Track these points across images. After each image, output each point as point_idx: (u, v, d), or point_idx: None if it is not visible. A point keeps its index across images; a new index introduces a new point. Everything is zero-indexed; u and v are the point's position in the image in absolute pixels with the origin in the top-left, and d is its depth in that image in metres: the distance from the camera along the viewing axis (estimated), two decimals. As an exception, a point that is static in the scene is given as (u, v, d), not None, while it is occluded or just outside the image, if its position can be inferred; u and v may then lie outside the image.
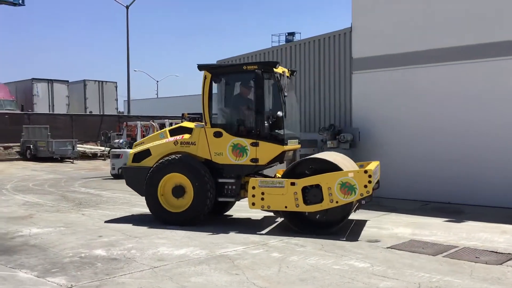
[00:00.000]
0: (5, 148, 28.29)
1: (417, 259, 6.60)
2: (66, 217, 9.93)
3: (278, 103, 8.84)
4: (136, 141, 20.32)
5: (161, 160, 9.08)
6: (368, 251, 7.01)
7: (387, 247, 7.26)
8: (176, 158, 8.97)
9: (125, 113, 41.15)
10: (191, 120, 19.14)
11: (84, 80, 38.49)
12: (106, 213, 10.40)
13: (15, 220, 9.45)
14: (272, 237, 7.84)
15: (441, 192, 11.40)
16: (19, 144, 28.27)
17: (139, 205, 11.44)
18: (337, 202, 7.91)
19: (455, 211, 10.48)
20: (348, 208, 8.08)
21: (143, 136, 20.03)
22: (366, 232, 8.36)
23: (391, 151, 12.25)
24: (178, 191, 8.92)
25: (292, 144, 9.18)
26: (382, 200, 11.99)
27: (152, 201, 9.06)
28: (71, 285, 5.48)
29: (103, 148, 31.26)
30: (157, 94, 69.23)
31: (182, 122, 18.71)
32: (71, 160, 27.33)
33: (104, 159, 29.05)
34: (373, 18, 12.57)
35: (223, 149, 8.83)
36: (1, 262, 6.40)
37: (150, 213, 9.23)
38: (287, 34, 41.95)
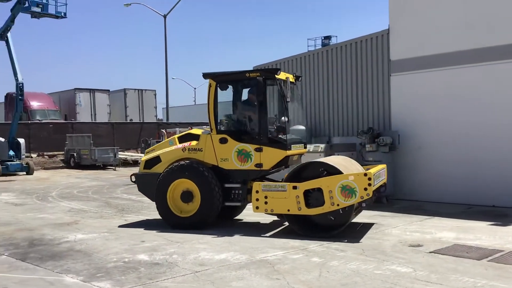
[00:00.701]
0: (50, 156, 29.20)
1: (461, 264, 6.45)
2: (109, 223, 10.17)
3: (281, 109, 9.13)
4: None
5: (170, 166, 9.34)
6: (411, 256, 6.90)
7: (430, 252, 7.13)
8: (184, 164, 9.22)
9: (164, 120, 41.85)
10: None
11: (124, 89, 39.33)
12: (148, 219, 10.60)
13: (61, 227, 9.75)
14: (312, 242, 7.81)
15: (485, 195, 11.10)
16: (63, 152, 29.11)
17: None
18: (338, 205, 8.02)
19: (500, 214, 10.18)
20: (349, 211, 8.14)
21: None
22: (408, 236, 8.23)
23: (432, 154, 12.02)
24: (187, 196, 9.16)
25: (297, 149, 9.35)
26: (424, 204, 11.78)
27: (162, 206, 9.33)
28: (116, 289, 5.63)
29: (143, 155, 31.94)
30: (194, 101, 70.15)
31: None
32: (113, 167, 27.96)
33: (145, 166, 29.60)
34: (411, 19, 12.39)
35: (228, 155, 9.04)
36: (48, 267, 6.62)
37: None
38: (323, 38, 41.71)
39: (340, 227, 8.14)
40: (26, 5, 21.30)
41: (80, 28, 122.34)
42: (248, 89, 9.38)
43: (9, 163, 22.97)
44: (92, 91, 37.07)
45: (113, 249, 7.62)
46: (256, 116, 8.99)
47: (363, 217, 10.10)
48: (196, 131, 10.04)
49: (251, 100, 9.24)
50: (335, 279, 5.87)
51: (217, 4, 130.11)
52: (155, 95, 40.91)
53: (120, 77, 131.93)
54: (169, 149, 9.70)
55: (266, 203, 8.44)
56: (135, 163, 30.96)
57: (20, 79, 22.59)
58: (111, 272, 6.30)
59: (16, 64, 22.68)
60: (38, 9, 21.45)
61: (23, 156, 24.14)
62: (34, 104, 33.99)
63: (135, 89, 39.70)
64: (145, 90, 40.18)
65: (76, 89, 36.62)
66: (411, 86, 12.36)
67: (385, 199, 12.03)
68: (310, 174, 8.41)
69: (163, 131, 19.29)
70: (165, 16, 36.19)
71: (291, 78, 9.34)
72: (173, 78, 62.41)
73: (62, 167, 28.14)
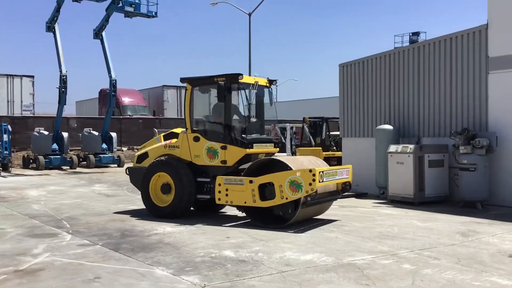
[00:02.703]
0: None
1: None
2: (196, 217, 10.35)
3: (244, 110, 10.13)
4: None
5: (153, 161, 10.46)
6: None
7: (535, 265, 6.55)
8: (163, 159, 10.29)
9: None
10: (312, 123, 19.14)
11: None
12: (230, 214, 10.66)
13: (150, 219, 10.05)
14: (402, 248, 7.48)
15: None
16: (151, 147, 30.30)
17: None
18: (286, 198, 8.75)
19: None
20: (297, 204, 8.78)
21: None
22: (508, 246, 7.64)
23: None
24: (165, 188, 10.14)
25: (262, 148, 10.09)
26: (524, 211, 10.95)
27: (145, 196, 10.38)
28: (204, 284, 5.66)
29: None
30: (276, 98, 70.32)
31: (303, 126, 18.86)
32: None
33: (227, 162, 30.12)
34: (513, 13, 11.51)
35: (200, 152, 10.01)
36: (139, 259, 6.82)
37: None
38: (411, 34, 40.18)
39: (290, 219, 8.87)
40: (120, 4, 22.24)
41: (168, 27, 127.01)
42: (214, 93, 10.04)
43: (102, 155, 24.24)
44: (178, 88, 38.15)
45: (200, 243, 7.73)
46: (221, 117, 9.87)
47: (456, 222, 9.55)
48: (177, 130, 10.90)
49: (216, 102, 10.00)
50: (429, 289, 5.55)
51: (301, 3, 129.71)
52: (238, 92, 41.40)
53: (205, 74, 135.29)
54: (155, 146, 10.82)
55: (227, 195, 9.34)
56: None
57: (113, 76, 23.72)
58: (199, 267, 6.37)
59: (110, 62, 23.84)
60: (131, 9, 22.36)
61: (115, 150, 25.34)
62: (126, 100, 35.63)
63: (219, 86, 40.36)
64: (228, 87, 40.74)
65: (164, 86, 37.91)
66: (512, 85, 11.50)
67: (480, 204, 11.31)
68: (271, 170, 9.09)
69: (275, 128, 19.41)
70: (250, 15, 36.52)
71: (262, 82, 10.31)
72: (255, 75, 62.85)
73: (149, 161, 29.21)
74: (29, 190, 15.40)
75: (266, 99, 10.73)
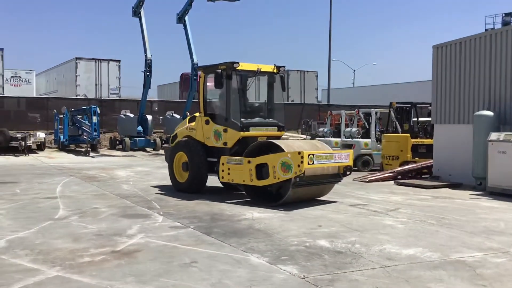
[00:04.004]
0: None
1: None
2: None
3: (241, 96, 10.70)
4: (340, 130, 20.32)
5: (176, 142, 11.74)
6: None
7: None
8: (183, 140, 11.44)
9: (323, 102, 41.56)
10: (399, 109, 18.24)
11: (287, 70, 39.72)
12: (319, 201, 10.33)
13: (238, 203, 9.94)
14: (514, 245, 6.81)
15: None
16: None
17: (350, 196, 11.20)
18: (278, 178, 9.39)
19: None
20: (288, 183, 9.34)
21: (347, 125, 19.82)
22: None
23: None
24: (184, 166, 11.21)
25: (262, 131, 10.68)
26: None
27: (170, 172, 11.57)
28: (303, 276, 5.38)
29: (304, 136, 32.03)
30: (353, 83, 68.68)
31: (389, 111, 18.02)
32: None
33: (305, 147, 29.70)
34: None
35: (209, 134, 10.88)
36: (232, 244, 6.66)
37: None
38: (503, 15, 37.48)
39: (284, 197, 9.47)
40: (204, -12, 22.30)
41: (246, 10, 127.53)
42: (216, 80, 10.60)
43: (137, 138, 24.38)
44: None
45: (292, 231, 7.46)
46: (223, 102, 10.77)
47: None
48: (197, 114, 11.51)
49: (218, 88, 10.65)
50: (557, 295, 4.93)
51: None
52: (317, 76, 40.67)
53: (284, 58, 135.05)
54: (182, 128, 11.94)
55: (229, 174, 10.18)
56: (295, 143, 31.29)
57: (195, 60, 23.95)
58: (295, 256, 6.09)
59: (192, 46, 24.08)
60: (214, -8, 22.33)
61: (152, 133, 25.45)
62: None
63: (297, 70, 39.90)
64: (307, 71, 40.16)
65: (242, 70, 37.96)
66: None
67: None
68: (271, 151, 9.71)
69: (359, 113, 18.79)
70: (331, -4, 35.59)
71: (268, 68, 10.90)
72: (333, 60, 61.63)
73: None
74: (117, 171, 15.89)
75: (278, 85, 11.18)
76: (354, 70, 70.45)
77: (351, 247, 6.55)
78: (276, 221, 8.19)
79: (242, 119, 10.47)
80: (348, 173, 10.36)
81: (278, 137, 10.90)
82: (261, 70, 10.78)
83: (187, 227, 7.71)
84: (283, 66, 11.14)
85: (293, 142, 10.24)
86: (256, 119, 10.83)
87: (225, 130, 10.53)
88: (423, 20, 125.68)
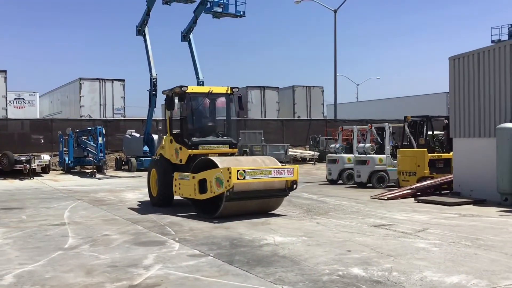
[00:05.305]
0: (225, 152, 30.34)
1: None
2: (302, 225, 9.62)
3: (193, 116, 11.65)
4: (352, 146, 19.83)
5: (152, 158, 13.39)
6: None
7: None
8: (155, 159, 12.71)
9: (328, 117, 41.11)
10: (413, 123, 17.75)
11: (293, 86, 39.34)
12: (340, 222, 9.83)
13: (255, 226, 9.44)
14: None
15: None
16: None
17: (371, 215, 10.70)
18: (214, 192, 9.99)
19: None
20: (222, 197, 9.91)
21: (359, 141, 19.33)
22: None
23: None
24: (157, 182, 12.00)
25: (212, 149, 11.47)
26: None
27: (148, 188, 12.56)
28: (344, 312, 4.86)
29: (312, 152, 31.54)
30: (357, 97, 68.41)
31: (404, 125, 17.54)
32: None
33: (314, 164, 29.20)
34: None
35: (172, 152, 11.80)
36: (259, 275, 6.14)
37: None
38: (510, 26, 37.21)
39: (217, 211, 10.06)
40: (208, 5, 22.00)
41: (252, 26, 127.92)
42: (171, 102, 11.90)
43: (143, 158, 23.65)
44: (262, 88, 37.78)
45: (320, 257, 6.94)
46: (178, 122, 11.87)
47: None
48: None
49: (174, 110, 11.93)
50: None
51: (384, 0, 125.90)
52: (323, 91, 40.32)
53: (288, 74, 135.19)
54: (159, 147, 12.81)
55: (179, 188, 10.98)
56: (303, 160, 30.74)
57: (201, 78, 23.50)
58: (330, 288, 5.57)
59: (197, 64, 23.66)
60: (219, 9, 22.02)
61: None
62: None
63: (303, 86, 39.56)
64: (313, 87, 39.81)
65: (248, 86, 37.66)
66: None
67: None
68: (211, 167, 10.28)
69: (372, 128, 18.37)
70: (335, 11, 35.41)
71: (221, 90, 11.89)
72: (338, 75, 61.50)
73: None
74: (125, 193, 15.41)
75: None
76: (358, 85, 70.33)
77: (389, 276, 6.02)
78: (300, 246, 7.67)
79: (193, 138, 11.41)
80: (294, 187, 10.69)
81: (232, 154, 11.75)
82: (213, 92, 11.75)
83: (206, 255, 7.19)
84: (236, 87, 12.07)
85: (234, 159, 10.82)
86: (210, 138, 11.71)
87: (180, 148, 11.54)
88: (426, 33, 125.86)
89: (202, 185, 10.28)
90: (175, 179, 11.10)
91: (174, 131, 11.95)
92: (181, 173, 11.02)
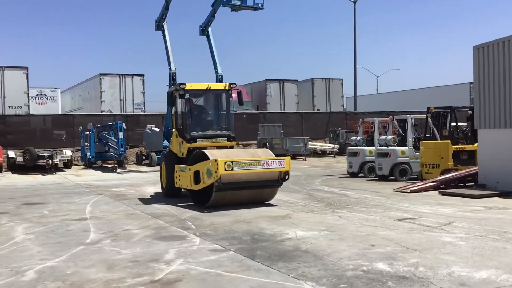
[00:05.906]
0: (244, 146, 30.25)
1: None
2: (323, 219, 9.48)
3: (192, 111, 12.24)
4: (373, 138, 19.56)
5: (164, 152, 14.53)
6: None
7: None
8: (164, 152, 14.03)
9: (347, 110, 40.69)
10: (436, 114, 17.37)
11: (312, 79, 39.02)
12: (363, 216, 9.66)
13: (276, 220, 9.34)
14: None
15: None
16: (255, 142, 29.89)
17: (394, 209, 10.50)
18: (205, 183, 10.52)
19: None
20: (212, 187, 10.41)
21: (380, 133, 19.04)
22: None
23: None
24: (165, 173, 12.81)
25: (210, 142, 12.03)
26: None
27: (161, 180, 13.26)
28: (370, 308, 4.72)
29: (332, 145, 31.25)
30: (377, 89, 67.66)
31: (427, 117, 17.20)
32: (303, 157, 27.83)
33: (334, 157, 28.96)
34: None
35: (177, 145, 12.44)
36: (281, 270, 6.03)
37: None
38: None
39: (209, 200, 10.58)
40: (226, -2, 21.83)
41: (270, 19, 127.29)
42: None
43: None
44: (281, 81, 37.54)
45: (343, 252, 6.80)
46: (180, 118, 12.45)
47: None
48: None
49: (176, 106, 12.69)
50: None
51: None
52: (342, 84, 39.89)
53: (307, 66, 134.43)
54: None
55: (179, 180, 11.64)
56: (323, 153, 30.51)
57: (219, 72, 23.39)
58: (355, 284, 5.42)
59: (216, 58, 23.57)
60: (237, 2, 21.78)
61: None
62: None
63: (322, 79, 39.20)
64: (332, 79, 39.42)
65: (267, 80, 37.45)
66: None
67: None
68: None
69: (394, 120, 18.06)
70: (354, 2, 34.96)
71: (219, 86, 12.83)
72: (358, 67, 60.84)
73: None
74: (146, 187, 15.44)
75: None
76: (378, 76, 69.54)
77: (415, 271, 5.85)
78: (323, 241, 7.54)
79: (192, 132, 12.03)
80: (287, 177, 11.01)
81: (231, 147, 12.34)
82: (211, 88, 12.43)
83: (227, 250, 7.11)
84: (234, 83, 12.66)
85: (227, 151, 11.33)
86: (209, 132, 12.35)
87: (182, 142, 12.18)
88: (443, 24, 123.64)
89: (197, 177, 10.80)
90: (176, 171, 11.81)
91: (179, 127, 12.57)
92: (180, 166, 11.71)
